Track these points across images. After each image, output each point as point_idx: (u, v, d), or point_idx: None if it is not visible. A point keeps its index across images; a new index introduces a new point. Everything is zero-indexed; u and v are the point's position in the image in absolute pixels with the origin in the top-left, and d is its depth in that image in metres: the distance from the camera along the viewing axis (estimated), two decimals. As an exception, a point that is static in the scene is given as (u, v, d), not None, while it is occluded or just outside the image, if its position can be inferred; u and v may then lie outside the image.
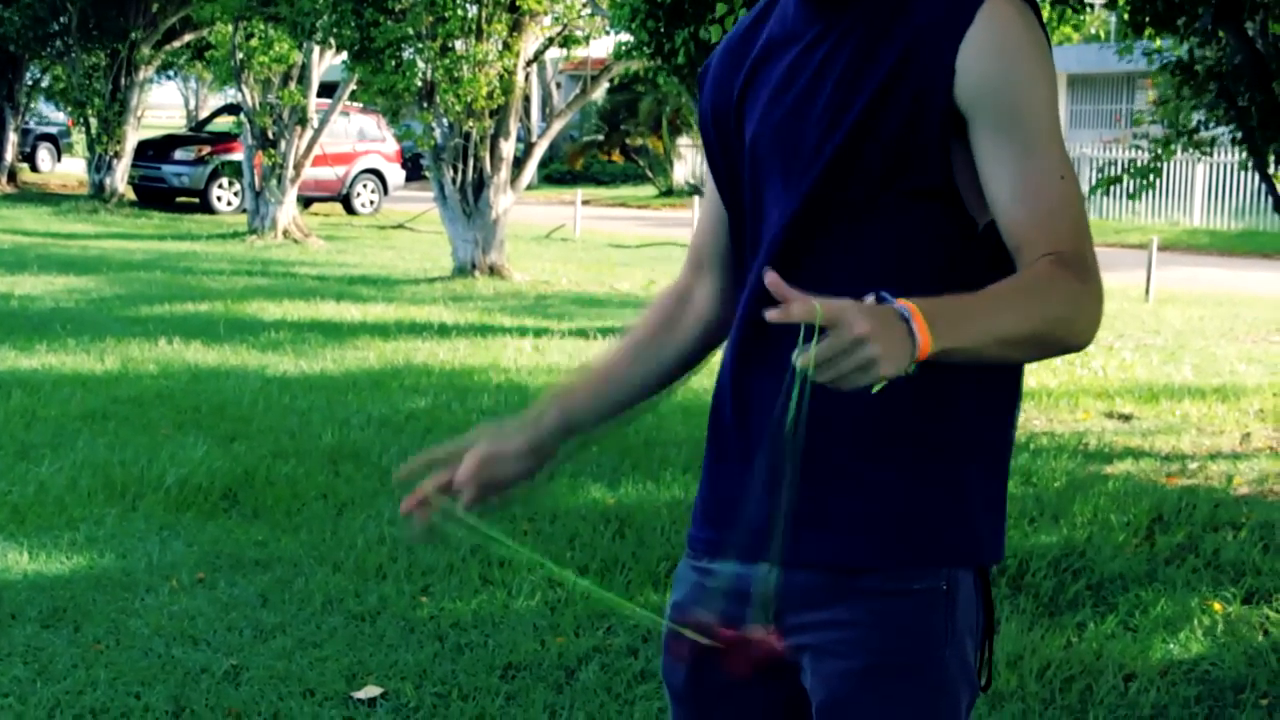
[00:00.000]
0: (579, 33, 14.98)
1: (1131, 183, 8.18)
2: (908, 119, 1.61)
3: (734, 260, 1.83)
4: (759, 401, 1.71)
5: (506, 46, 13.96)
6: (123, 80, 22.94)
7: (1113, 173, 22.63)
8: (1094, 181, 8.38)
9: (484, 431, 1.90)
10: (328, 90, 18.84)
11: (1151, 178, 8.12)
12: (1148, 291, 13.59)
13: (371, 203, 24.09)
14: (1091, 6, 9.42)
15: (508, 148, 14.25)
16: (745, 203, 1.77)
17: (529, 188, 19.98)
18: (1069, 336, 1.58)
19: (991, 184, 1.60)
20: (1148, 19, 7.11)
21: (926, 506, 1.67)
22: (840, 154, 1.65)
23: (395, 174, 24.56)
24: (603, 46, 16.03)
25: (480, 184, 14.12)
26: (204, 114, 34.48)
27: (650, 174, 30.97)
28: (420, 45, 13.80)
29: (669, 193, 29.35)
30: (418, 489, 1.87)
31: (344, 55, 14.86)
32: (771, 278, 1.44)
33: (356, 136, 23.73)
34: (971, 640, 1.71)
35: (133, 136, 23.11)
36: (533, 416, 1.90)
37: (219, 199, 22.49)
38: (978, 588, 1.71)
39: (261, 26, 16.90)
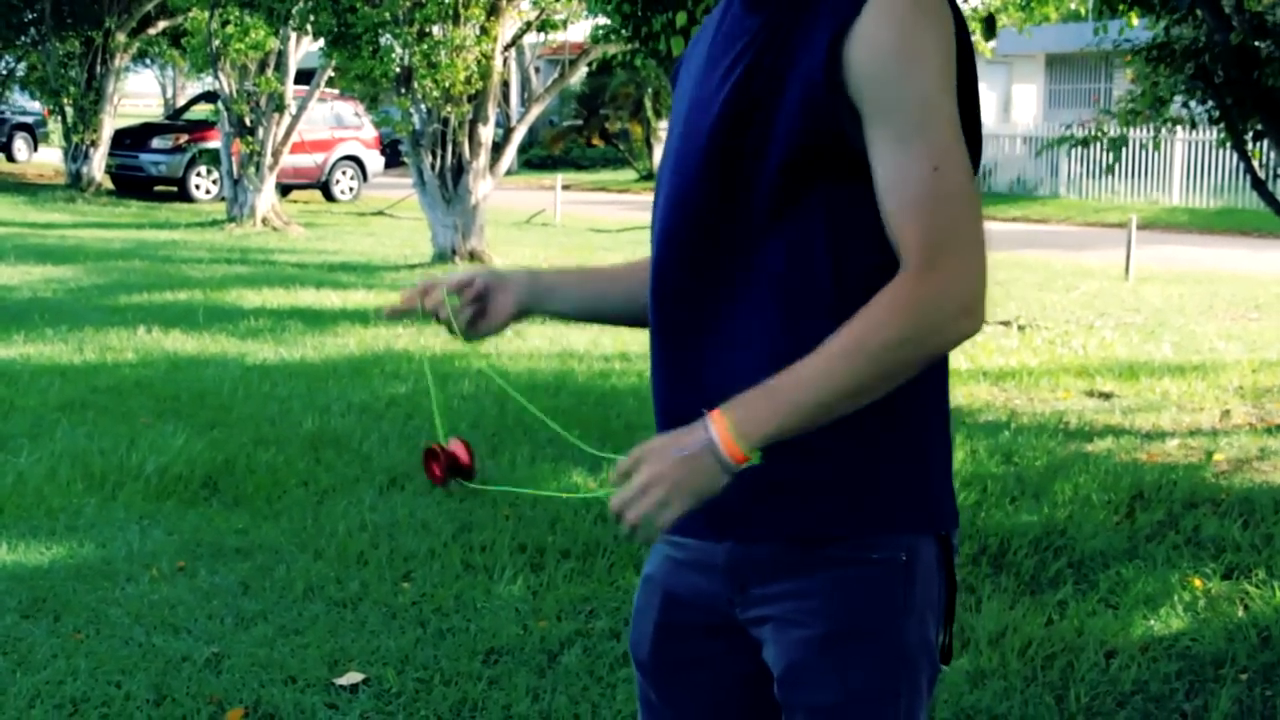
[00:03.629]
0: (557, 17, 14.93)
1: (1106, 153, 8.23)
2: (800, 110, 1.60)
3: None
4: (661, 371, 1.78)
5: (484, 31, 13.90)
6: (98, 68, 22.82)
7: (1091, 156, 22.65)
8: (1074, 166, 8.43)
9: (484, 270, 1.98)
10: (305, 77, 18.75)
11: (1120, 147, 8.15)
12: (1127, 270, 13.62)
13: (351, 189, 24.01)
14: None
15: (486, 133, 14.21)
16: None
17: (508, 173, 19.93)
18: (928, 350, 1.58)
19: (874, 179, 1.60)
20: (1123, -2, 7.11)
21: (885, 474, 1.68)
22: (724, 152, 1.66)
23: (374, 160, 24.48)
24: (581, 30, 15.97)
25: (459, 169, 14.08)
26: (181, 102, 34.31)
27: (630, 158, 30.92)
28: (397, 31, 13.74)
29: (649, 176, 29.31)
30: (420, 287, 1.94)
31: (321, 41, 14.79)
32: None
33: (335, 123, 23.64)
34: (933, 616, 1.72)
35: (109, 125, 22.98)
36: (527, 272, 1.98)
37: (197, 187, 22.38)
38: (940, 561, 1.72)
39: (237, 13, 16.79)
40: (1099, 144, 8.50)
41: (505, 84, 15.21)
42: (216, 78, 17.91)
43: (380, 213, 21.04)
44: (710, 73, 1.72)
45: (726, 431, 1.54)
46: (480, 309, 1.94)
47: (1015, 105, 29.44)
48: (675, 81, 1.88)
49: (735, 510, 1.69)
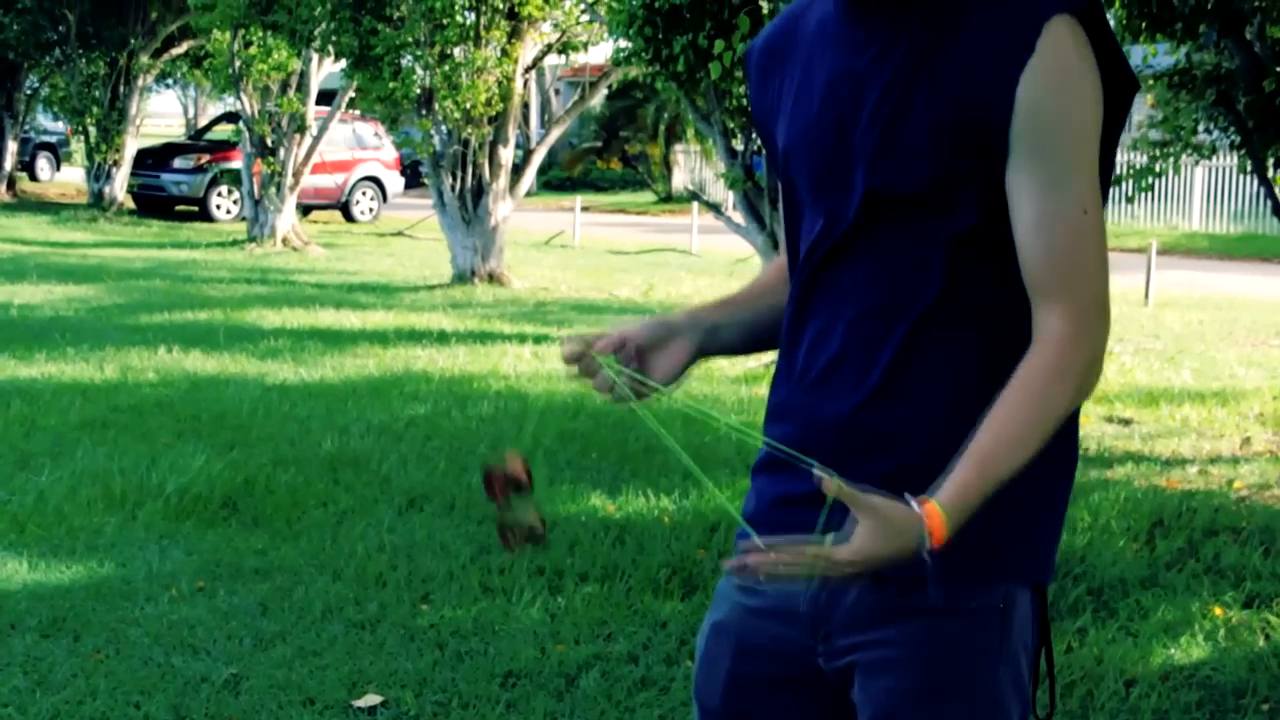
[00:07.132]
0: (578, 39, 14.98)
1: (1129, 184, 8.20)
2: (962, 148, 1.57)
3: None
4: (803, 405, 1.73)
5: (505, 53, 13.96)
6: (121, 89, 22.96)
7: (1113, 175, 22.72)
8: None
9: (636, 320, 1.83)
10: (326, 98, 18.84)
11: (1150, 180, 8.12)
12: (1147, 295, 13.59)
13: (370, 210, 24.10)
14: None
15: (506, 154, 14.26)
16: (796, 204, 1.76)
17: (528, 194, 19.98)
18: (1075, 404, 1.61)
19: (1015, 214, 1.58)
20: (1144, 24, 7.10)
21: (989, 520, 1.61)
22: (884, 181, 1.62)
23: (394, 181, 24.58)
24: (601, 53, 16.02)
25: (479, 191, 14.12)
26: (203, 122, 34.48)
27: (649, 180, 30.97)
28: (419, 52, 13.80)
29: (668, 199, 29.35)
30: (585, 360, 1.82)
31: (343, 63, 14.87)
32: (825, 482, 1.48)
33: (355, 144, 23.75)
34: (1026, 658, 1.68)
35: (132, 145, 23.12)
36: (687, 315, 1.85)
37: (218, 207, 22.49)
38: (1034, 605, 1.68)
39: (260, 34, 16.89)
40: (1126, 176, 8.46)
41: (525, 106, 15.25)
42: (238, 98, 18.01)
43: (400, 233, 21.11)
44: (831, 94, 1.66)
45: (941, 531, 1.51)
46: (644, 364, 1.84)
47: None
48: (749, 80, 1.81)
49: None
